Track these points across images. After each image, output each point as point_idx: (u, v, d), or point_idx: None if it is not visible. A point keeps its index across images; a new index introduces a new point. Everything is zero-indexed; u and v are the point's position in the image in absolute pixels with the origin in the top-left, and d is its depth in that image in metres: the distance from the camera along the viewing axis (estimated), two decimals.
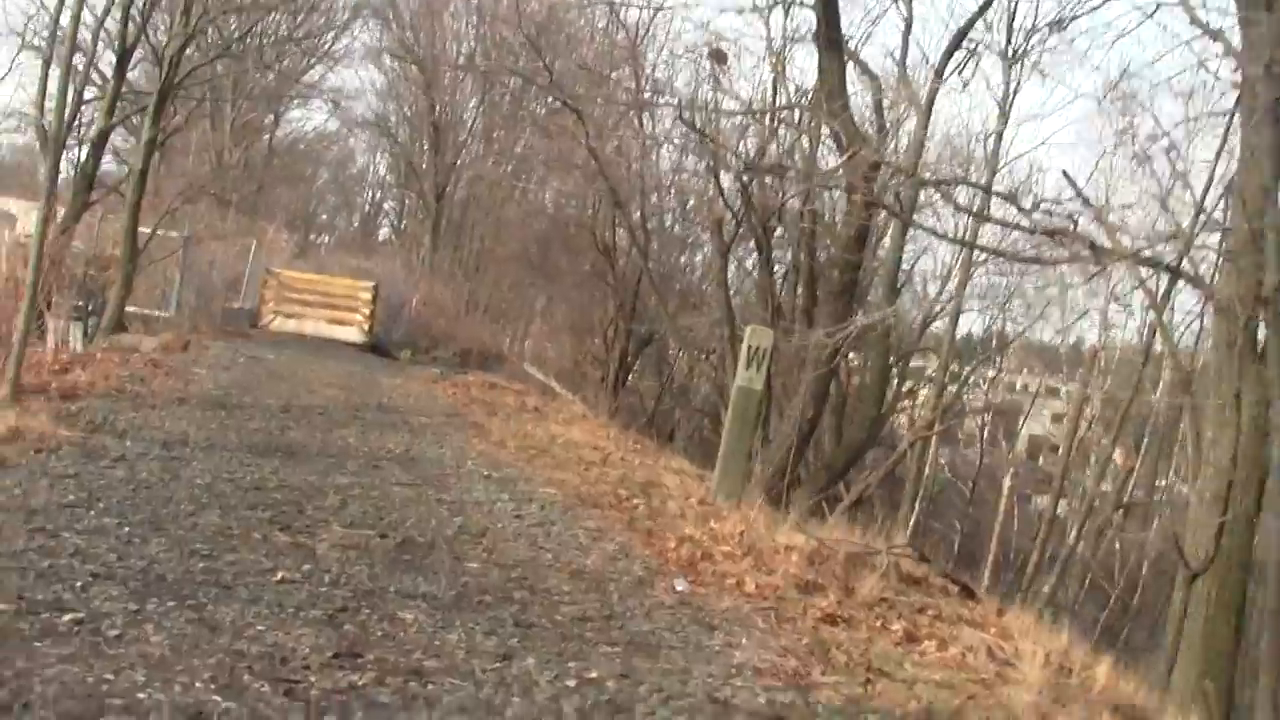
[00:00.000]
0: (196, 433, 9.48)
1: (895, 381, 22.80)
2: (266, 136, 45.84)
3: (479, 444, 11.78)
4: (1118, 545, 25.66)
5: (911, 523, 25.24)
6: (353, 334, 23.98)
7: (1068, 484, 29.92)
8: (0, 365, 10.37)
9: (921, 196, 18.27)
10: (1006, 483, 24.52)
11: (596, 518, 8.60)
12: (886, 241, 20.45)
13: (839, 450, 17.00)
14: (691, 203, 22.95)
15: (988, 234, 24.10)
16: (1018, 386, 38.76)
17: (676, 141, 20.94)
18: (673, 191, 22.48)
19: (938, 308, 27.83)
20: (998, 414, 34.28)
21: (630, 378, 23.05)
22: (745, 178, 15.92)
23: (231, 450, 8.97)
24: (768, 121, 18.20)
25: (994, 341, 27.44)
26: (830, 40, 14.81)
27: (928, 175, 13.25)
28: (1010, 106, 23.01)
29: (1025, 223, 11.56)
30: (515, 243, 29.89)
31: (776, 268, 20.87)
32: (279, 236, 36.35)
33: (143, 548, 5.71)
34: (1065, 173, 12.88)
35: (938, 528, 28.90)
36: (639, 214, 18.38)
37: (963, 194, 22.15)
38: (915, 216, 20.86)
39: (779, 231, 19.64)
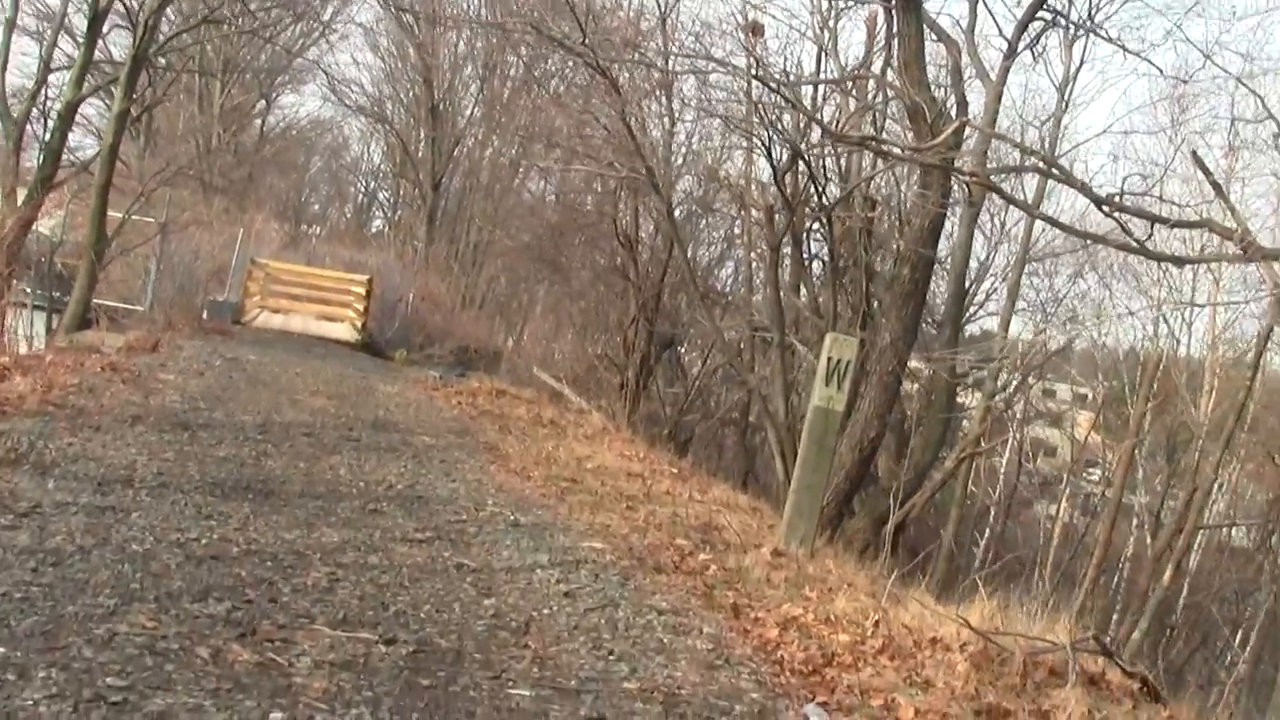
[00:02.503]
0: (146, 465, 7.36)
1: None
2: (258, 121, 43.93)
3: (497, 474, 9.70)
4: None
5: (948, 544, 23.32)
6: (344, 331, 21.86)
7: (1067, 492, 28.11)
8: None
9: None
10: (1063, 504, 22.47)
11: (664, 588, 6.56)
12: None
13: (897, 471, 14.97)
14: (714, 188, 20.99)
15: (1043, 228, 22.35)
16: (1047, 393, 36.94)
17: (691, 121, 18.97)
18: (699, 176, 20.41)
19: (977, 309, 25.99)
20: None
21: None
22: (804, 159, 13.84)
23: (188, 491, 6.86)
24: (815, 96, 16.20)
25: (1039, 349, 25.43)
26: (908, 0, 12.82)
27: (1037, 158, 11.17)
28: (1071, 88, 21.05)
29: (1162, 214, 9.61)
30: (521, 233, 27.68)
31: (815, 266, 18.95)
32: (268, 226, 34.33)
33: (15, 692, 3.61)
34: (1195, 153, 10.94)
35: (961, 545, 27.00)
36: (667, 201, 16.29)
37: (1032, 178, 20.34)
38: (967, 210, 18.98)
39: (814, 227, 17.64)
